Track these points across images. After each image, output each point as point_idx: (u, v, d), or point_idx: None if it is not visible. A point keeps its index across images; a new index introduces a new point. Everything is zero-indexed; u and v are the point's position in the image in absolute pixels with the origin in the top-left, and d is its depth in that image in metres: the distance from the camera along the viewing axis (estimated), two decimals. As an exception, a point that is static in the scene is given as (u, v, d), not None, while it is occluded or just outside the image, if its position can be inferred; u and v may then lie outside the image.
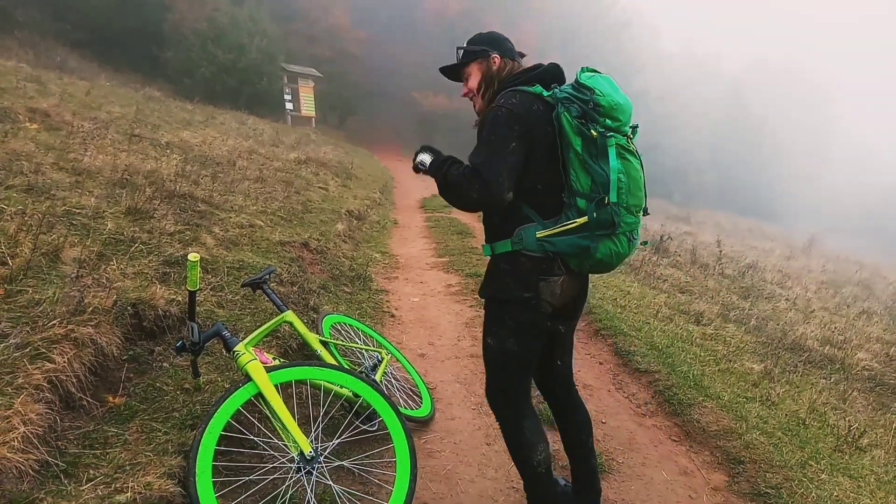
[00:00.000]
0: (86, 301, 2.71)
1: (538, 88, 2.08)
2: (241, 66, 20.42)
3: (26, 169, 4.33)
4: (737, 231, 26.88)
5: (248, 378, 2.25)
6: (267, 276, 3.05)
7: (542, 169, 2.05)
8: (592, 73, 2.10)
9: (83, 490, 1.93)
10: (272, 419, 2.26)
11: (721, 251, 11.04)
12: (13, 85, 7.91)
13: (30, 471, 1.92)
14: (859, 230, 41.33)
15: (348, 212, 8.18)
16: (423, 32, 29.81)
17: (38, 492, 1.87)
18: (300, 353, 3.55)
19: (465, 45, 2.28)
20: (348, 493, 2.37)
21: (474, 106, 2.29)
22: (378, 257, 6.95)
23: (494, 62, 2.21)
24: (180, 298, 3.23)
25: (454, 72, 2.34)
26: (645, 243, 2.60)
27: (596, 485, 2.58)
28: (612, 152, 1.98)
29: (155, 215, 4.34)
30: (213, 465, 2.01)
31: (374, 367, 3.24)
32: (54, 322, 2.50)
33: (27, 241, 3.07)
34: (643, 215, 2.17)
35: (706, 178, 44.04)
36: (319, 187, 9.42)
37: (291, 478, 2.22)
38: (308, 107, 23.23)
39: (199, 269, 2.10)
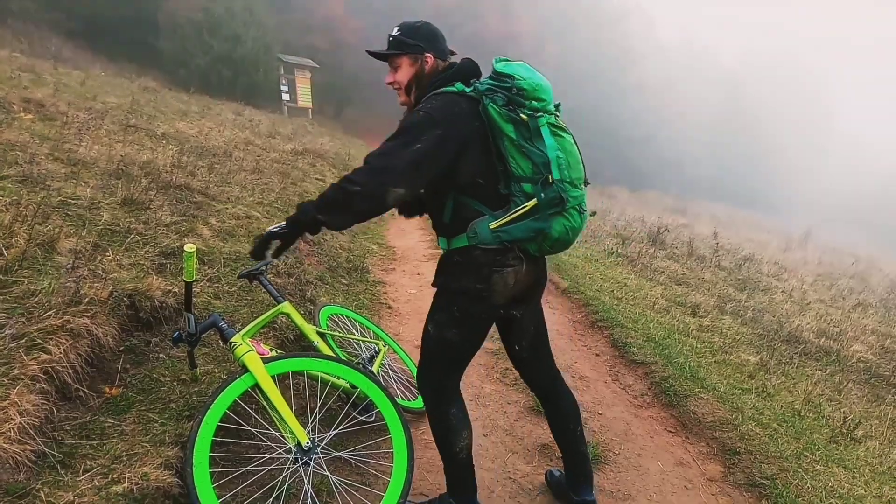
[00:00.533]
0: (82, 292, 2.70)
1: (459, 86, 2.09)
2: (236, 56, 20.33)
3: (21, 159, 4.29)
4: (733, 223, 26.91)
5: (244, 369, 2.24)
6: (264, 268, 3.04)
7: (478, 163, 2.05)
8: (507, 62, 2.11)
9: (80, 481, 1.93)
10: (269, 410, 2.26)
11: (718, 243, 11.07)
12: (7, 75, 7.86)
13: (26, 461, 1.91)
14: (855, 222, 41.38)
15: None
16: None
17: (34, 482, 1.87)
18: (297, 345, 3.55)
19: (397, 34, 2.20)
20: (345, 483, 2.37)
21: (399, 97, 2.26)
22: (375, 249, 6.94)
23: (427, 62, 2.18)
24: (177, 289, 3.22)
25: (381, 54, 2.27)
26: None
27: (587, 471, 2.60)
28: (545, 131, 2.01)
29: (151, 206, 4.32)
30: (211, 455, 2.01)
31: (371, 359, 3.24)
32: (50, 313, 2.49)
33: (22, 231, 3.05)
34: (585, 186, 2.17)
35: (702, 170, 44.10)
36: (316, 178, 9.38)
37: (289, 468, 2.22)
38: (304, 98, 23.12)
39: (195, 259, 2.09)
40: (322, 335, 3.05)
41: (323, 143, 14.23)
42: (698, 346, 5.07)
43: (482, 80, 2.11)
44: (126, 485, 1.94)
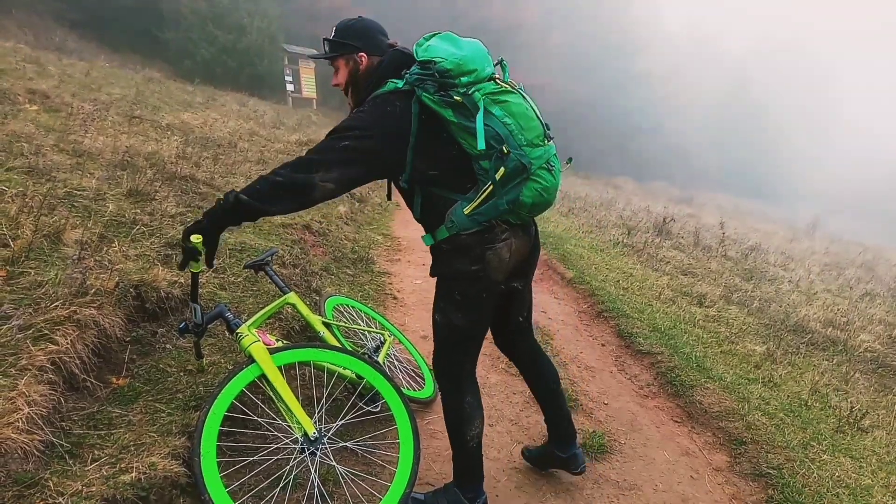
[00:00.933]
0: (88, 283, 2.70)
1: (390, 85, 2.06)
2: (241, 46, 20.27)
3: (27, 150, 4.30)
4: (739, 213, 26.80)
5: (251, 360, 2.25)
6: (269, 258, 3.04)
7: (428, 154, 2.05)
8: (427, 42, 2.06)
9: (88, 470, 1.94)
10: (276, 401, 2.26)
11: (724, 233, 11.00)
12: (12, 66, 7.85)
13: (35, 451, 1.93)
14: (862, 212, 41.08)
15: (350, 194, 8.14)
16: (423, 7, 29.50)
17: (43, 472, 1.88)
18: (303, 335, 3.55)
19: (332, 35, 2.18)
20: (352, 473, 2.38)
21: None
22: (380, 240, 6.93)
23: (361, 60, 2.16)
24: (182, 280, 3.22)
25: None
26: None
27: (571, 430, 2.69)
28: (483, 105, 1.95)
29: (156, 197, 4.32)
30: (218, 445, 2.02)
31: (377, 349, 3.24)
32: (57, 304, 2.50)
33: (28, 222, 3.06)
34: (549, 141, 2.12)
35: (708, 160, 43.85)
36: (321, 169, 9.36)
37: (295, 458, 2.23)
38: (309, 88, 23.04)
39: (202, 250, 2.09)
40: (328, 325, 3.05)
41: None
42: (704, 336, 5.06)
43: (412, 70, 2.05)
44: (134, 474, 1.94)
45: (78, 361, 2.36)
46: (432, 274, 2.26)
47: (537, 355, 2.65)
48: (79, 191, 3.89)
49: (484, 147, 1.92)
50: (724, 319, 5.82)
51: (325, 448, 2.22)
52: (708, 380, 3.95)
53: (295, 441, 2.22)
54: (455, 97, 1.95)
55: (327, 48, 2.19)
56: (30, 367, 2.15)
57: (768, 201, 39.37)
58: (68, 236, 3.16)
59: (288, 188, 1.93)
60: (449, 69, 1.95)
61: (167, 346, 2.86)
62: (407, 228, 7.80)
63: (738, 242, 12.38)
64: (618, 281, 6.37)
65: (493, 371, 3.87)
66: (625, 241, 9.16)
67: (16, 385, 2.04)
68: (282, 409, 2.26)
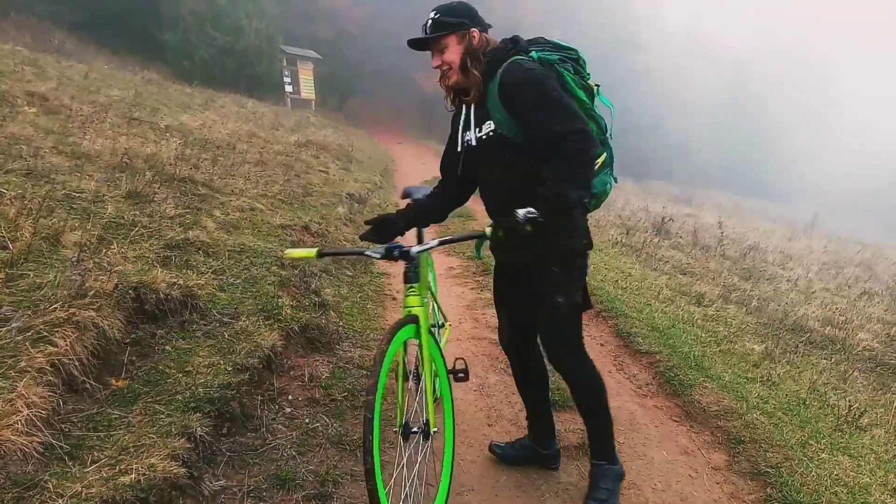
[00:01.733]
0: (87, 285, 2.71)
1: (534, 54, 2.20)
2: (239, 48, 20.24)
3: (25, 153, 4.31)
4: (738, 212, 26.79)
5: (412, 319, 2.14)
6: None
7: None
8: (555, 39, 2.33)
9: (87, 472, 1.95)
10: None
11: (722, 232, 11.01)
12: (11, 68, 7.85)
13: (34, 453, 1.93)
14: (861, 210, 41.10)
15: (349, 195, 8.14)
16: (422, 8, 29.43)
17: (42, 474, 1.88)
18: (303, 336, 3.55)
19: (436, 17, 2.21)
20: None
21: (445, 79, 2.26)
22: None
23: (474, 36, 2.21)
24: (182, 282, 3.23)
25: (421, 42, 2.25)
26: None
27: (553, 424, 2.82)
28: (602, 98, 2.30)
29: (155, 199, 4.33)
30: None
31: (440, 329, 3.17)
32: (56, 306, 2.50)
33: (27, 225, 3.06)
34: None
35: (708, 157, 43.80)
36: (320, 170, 9.38)
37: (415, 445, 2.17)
38: (308, 89, 23.06)
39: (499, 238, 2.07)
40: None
41: (326, 134, 14.21)
42: (703, 335, 5.07)
43: (543, 51, 2.22)
44: (133, 476, 1.95)
45: (77, 363, 2.37)
46: (534, 257, 2.29)
47: (540, 353, 2.68)
48: (77, 193, 3.90)
49: (612, 137, 2.28)
50: (722, 319, 5.82)
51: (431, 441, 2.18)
52: (707, 379, 3.95)
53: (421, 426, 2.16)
54: (590, 82, 2.26)
55: (434, 28, 2.19)
56: (29, 368, 2.16)
57: (768, 199, 39.35)
58: (67, 238, 3.17)
59: (595, 152, 2.08)
60: (583, 60, 2.28)
61: (166, 347, 2.86)
62: (406, 229, 7.79)
63: (736, 241, 12.40)
64: (616, 281, 6.37)
65: (491, 371, 3.88)
66: (623, 240, 9.16)
67: (15, 387, 2.04)
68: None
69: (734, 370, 4.36)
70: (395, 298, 4.95)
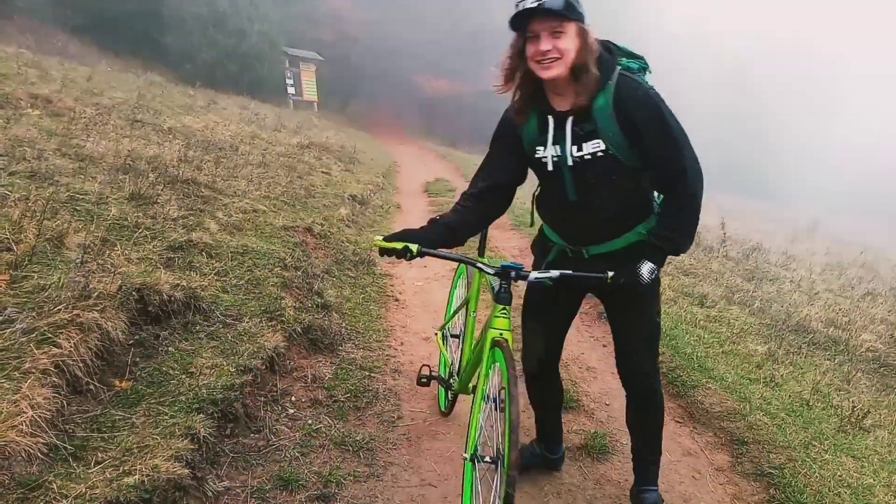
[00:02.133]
0: (91, 286, 2.72)
1: (646, 76, 2.16)
2: (242, 50, 20.32)
3: (29, 155, 4.32)
4: (741, 213, 26.70)
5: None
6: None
7: None
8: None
9: (91, 473, 1.95)
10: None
11: (725, 234, 10.99)
12: (14, 71, 7.88)
13: (38, 454, 1.94)
14: (864, 212, 40.91)
15: (351, 196, 8.15)
16: (423, 11, 29.53)
17: (46, 475, 1.89)
18: (304, 337, 3.56)
19: None
20: None
21: (545, 69, 1.90)
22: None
23: (591, 36, 1.93)
24: (185, 283, 3.24)
25: (523, 19, 1.86)
26: None
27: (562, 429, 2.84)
28: None
29: (158, 200, 4.34)
30: None
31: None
32: (60, 307, 2.51)
33: (31, 227, 3.07)
34: None
35: (710, 158, 43.63)
36: (322, 172, 9.39)
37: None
38: (310, 91, 23.16)
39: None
40: None
41: (328, 136, 14.22)
42: (706, 336, 5.06)
43: (629, 60, 2.10)
44: (137, 477, 1.96)
45: (81, 364, 2.38)
46: (643, 281, 2.10)
47: (559, 371, 2.79)
48: (81, 195, 3.91)
49: None
50: (725, 320, 5.81)
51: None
52: (709, 380, 3.95)
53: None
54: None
55: (566, 10, 1.83)
56: (33, 370, 2.16)
57: (770, 201, 39.26)
58: (71, 240, 3.18)
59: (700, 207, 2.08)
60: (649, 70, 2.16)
61: (170, 348, 2.87)
62: (408, 230, 7.80)
63: (739, 243, 12.36)
64: (619, 282, 6.35)
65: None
66: (626, 241, 9.12)
67: (19, 388, 2.05)
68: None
69: (737, 371, 4.35)
70: (397, 300, 4.95)
